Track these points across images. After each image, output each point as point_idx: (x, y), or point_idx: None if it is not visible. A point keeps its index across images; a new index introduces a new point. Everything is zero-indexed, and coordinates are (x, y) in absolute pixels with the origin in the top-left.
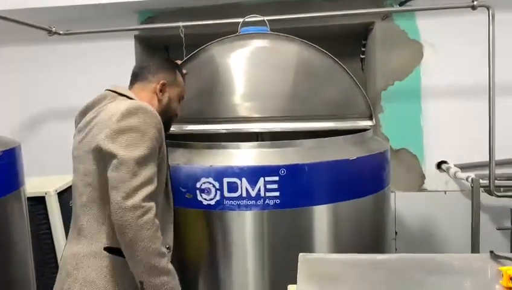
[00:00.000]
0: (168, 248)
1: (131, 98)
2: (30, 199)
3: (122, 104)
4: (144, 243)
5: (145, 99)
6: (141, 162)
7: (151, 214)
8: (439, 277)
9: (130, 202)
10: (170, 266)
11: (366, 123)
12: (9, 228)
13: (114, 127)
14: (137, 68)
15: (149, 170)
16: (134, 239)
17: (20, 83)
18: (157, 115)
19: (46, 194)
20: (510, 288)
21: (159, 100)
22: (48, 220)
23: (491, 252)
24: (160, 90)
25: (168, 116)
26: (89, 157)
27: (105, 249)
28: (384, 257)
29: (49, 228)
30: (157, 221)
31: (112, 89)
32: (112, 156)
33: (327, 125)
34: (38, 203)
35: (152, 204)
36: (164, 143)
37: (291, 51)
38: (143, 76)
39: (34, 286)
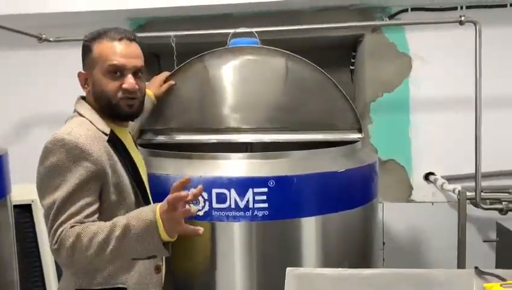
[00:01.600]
0: (157, 269)
1: (80, 113)
2: (16, 206)
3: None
4: (91, 258)
5: (87, 100)
6: (65, 201)
7: (71, 239)
8: None
9: (54, 247)
10: (106, 237)
11: (355, 135)
12: None
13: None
14: None
15: (80, 202)
16: (85, 264)
17: (8, 88)
18: (80, 142)
19: (32, 201)
20: None
21: (87, 93)
22: (34, 227)
23: (476, 268)
24: (85, 83)
25: (106, 98)
26: None
27: None
28: (371, 272)
29: (35, 236)
30: (77, 229)
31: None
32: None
33: (316, 137)
34: (24, 210)
35: (67, 226)
36: (117, 165)
37: (280, 64)
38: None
39: None
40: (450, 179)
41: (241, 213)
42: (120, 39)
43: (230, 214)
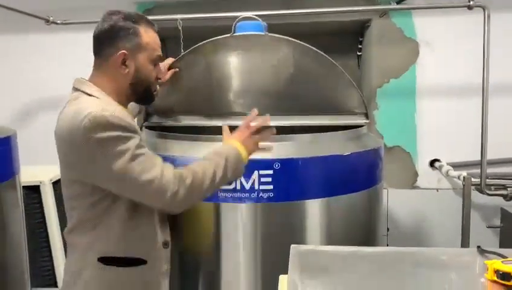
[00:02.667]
0: (165, 244)
1: (87, 93)
2: (25, 187)
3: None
4: (205, 190)
5: (108, 82)
6: (146, 157)
7: (189, 179)
8: (427, 270)
9: (169, 194)
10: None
11: (361, 120)
12: (4, 215)
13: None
14: (93, 40)
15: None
16: (199, 198)
17: (15, 71)
18: (121, 116)
19: (41, 183)
20: (495, 281)
21: (124, 75)
22: (42, 209)
23: (478, 247)
24: (123, 64)
25: (146, 85)
26: None
27: (100, 259)
28: (374, 250)
29: (43, 217)
30: (190, 169)
31: (73, 84)
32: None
33: (322, 122)
34: (32, 192)
35: (171, 171)
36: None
37: (284, 50)
38: (99, 50)
39: (28, 273)
40: (456, 165)
41: (247, 195)
42: (157, 32)
43: (236, 196)
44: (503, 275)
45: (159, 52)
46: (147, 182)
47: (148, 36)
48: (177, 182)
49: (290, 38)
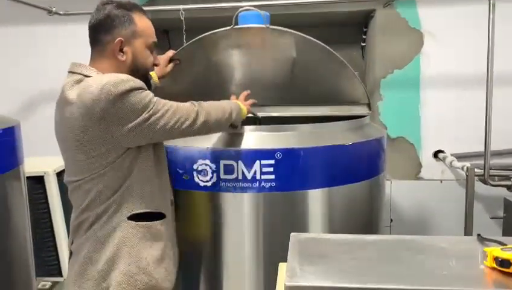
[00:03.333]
0: (172, 203)
1: (82, 74)
2: (29, 178)
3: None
4: (216, 122)
5: (108, 68)
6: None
7: (204, 111)
8: (426, 257)
9: (190, 121)
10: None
11: (363, 110)
12: (8, 206)
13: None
14: (89, 30)
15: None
16: (212, 129)
17: (18, 62)
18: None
19: (45, 173)
20: (494, 268)
21: (122, 62)
22: (47, 199)
23: (478, 235)
24: (120, 51)
25: (143, 72)
26: None
27: (130, 217)
28: (374, 238)
29: (48, 208)
30: (203, 105)
31: (71, 69)
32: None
33: (324, 112)
34: (37, 182)
35: (191, 105)
36: None
37: (286, 42)
38: (96, 39)
39: (32, 263)
40: (460, 156)
41: (249, 184)
42: (150, 19)
43: (238, 185)
44: (502, 262)
45: (154, 39)
46: (172, 116)
47: (143, 23)
48: (195, 106)
49: (292, 31)
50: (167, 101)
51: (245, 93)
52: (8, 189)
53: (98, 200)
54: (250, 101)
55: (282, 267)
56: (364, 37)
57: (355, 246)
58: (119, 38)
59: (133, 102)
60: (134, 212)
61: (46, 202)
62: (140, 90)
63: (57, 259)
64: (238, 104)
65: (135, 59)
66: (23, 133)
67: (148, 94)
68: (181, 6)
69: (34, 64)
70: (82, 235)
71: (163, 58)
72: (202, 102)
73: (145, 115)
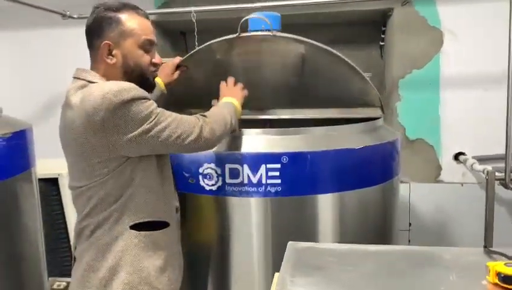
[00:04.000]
0: (177, 209)
1: (86, 80)
2: (44, 180)
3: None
4: (222, 132)
5: (103, 72)
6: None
7: (209, 125)
8: (426, 270)
9: (194, 136)
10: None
11: (375, 113)
12: (20, 208)
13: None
14: (85, 35)
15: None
16: (218, 139)
17: (34, 65)
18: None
19: (59, 175)
20: (496, 284)
21: (113, 65)
22: (61, 200)
23: (485, 246)
24: (109, 54)
25: (139, 72)
26: None
27: (132, 227)
28: (376, 249)
29: (62, 209)
30: (207, 118)
31: (75, 74)
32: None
33: (334, 114)
34: (51, 184)
35: (198, 119)
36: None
37: (293, 49)
38: (90, 44)
39: (44, 263)
40: (481, 159)
41: (254, 189)
42: (146, 16)
43: (243, 190)
44: (505, 278)
45: (148, 36)
46: (174, 130)
47: (132, 22)
48: (199, 120)
49: (298, 38)
50: (171, 113)
51: (231, 82)
52: (19, 191)
53: (100, 207)
54: (245, 92)
55: (276, 277)
56: (382, 36)
57: (354, 257)
58: (106, 41)
59: (134, 112)
60: (136, 221)
61: (61, 203)
62: (143, 100)
63: (71, 260)
64: (234, 106)
65: (127, 60)
66: (39, 135)
67: (151, 105)
68: (193, 8)
69: (49, 67)
70: (84, 241)
71: (170, 65)
72: (207, 116)
73: (145, 126)
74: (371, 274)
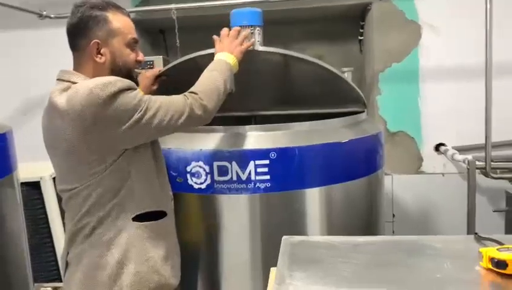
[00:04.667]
0: (172, 198)
1: (70, 81)
2: (25, 184)
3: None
4: (217, 101)
5: (90, 72)
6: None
7: (199, 101)
8: (420, 259)
9: (186, 115)
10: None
11: (358, 107)
12: (3, 213)
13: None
14: (67, 35)
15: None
16: (215, 108)
17: (12, 68)
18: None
19: (41, 179)
20: (490, 269)
21: (102, 64)
22: (44, 204)
23: (475, 233)
24: (98, 53)
25: (126, 70)
26: None
27: (135, 218)
28: (366, 239)
29: (45, 213)
30: (198, 93)
31: (59, 76)
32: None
33: (318, 110)
34: (33, 188)
35: (187, 98)
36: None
37: (280, 58)
38: (74, 44)
39: (29, 269)
40: (461, 149)
41: (243, 185)
42: (128, 15)
43: (233, 187)
44: (498, 263)
45: (133, 35)
46: (165, 114)
47: (118, 20)
48: (188, 99)
49: (279, 51)
50: (158, 97)
51: (235, 31)
52: (3, 196)
53: (99, 204)
54: (245, 46)
55: (273, 272)
56: (361, 30)
57: (347, 249)
58: (95, 40)
59: (123, 103)
60: (137, 213)
61: (44, 207)
62: (129, 90)
63: (56, 264)
64: (229, 64)
65: (115, 59)
66: (20, 139)
67: (138, 93)
68: (173, 6)
69: (30, 68)
70: (81, 242)
71: (149, 76)
72: (197, 92)
73: (137, 115)
74: (367, 265)
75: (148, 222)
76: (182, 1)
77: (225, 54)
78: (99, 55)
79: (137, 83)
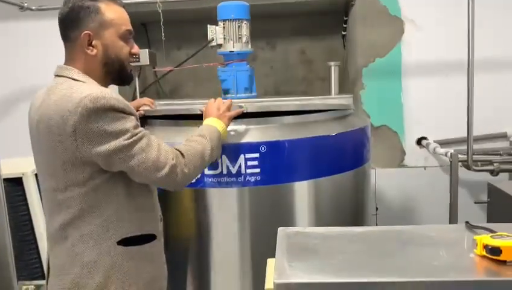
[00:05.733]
0: (161, 219)
1: (73, 78)
2: (7, 180)
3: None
4: (200, 167)
5: (81, 66)
6: (142, 136)
7: (183, 160)
8: (416, 247)
9: (163, 172)
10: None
11: (346, 101)
12: None
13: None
14: (59, 26)
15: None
16: (195, 175)
17: None
18: (119, 98)
19: (23, 175)
20: (484, 256)
21: (93, 56)
22: (26, 200)
23: (467, 222)
24: (89, 45)
25: (119, 63)
26: None
27: (119, 242)
28: (363, 230)
29: (28, 210)
30: (173, 150)
31: (57, 72)
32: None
33: (307, 103)
34: (16, 184)
35: (170, 153)
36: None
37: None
38: (66, 36)
39: (13, 267)
40: (443, 143)
41: (234, 179)
42: (122, 5)
43: (223, 180)
44: (493, 250)
45: (128, 27)
46: (145, 160)
47: (112, 11)
48: (174, 159)
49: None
50: (150, 139)
51: (227, 103)
52: None
53: (82, 219)
54: (234, 112)
55: (271, 263)
56: (345, 25)
57: (344, 240)
58: (86, 31)
59: (107, 123)
60: (123, 236)
61: (26, 204)
62: (122, 114)
63: (39, 262)
64: (218, 132)
65: (107, 51)
66: (0, 134)
67: (130, 121)
68: None
69: (10, 62)
70: (64, 252)
71: (135, 104)
72: (184, 155)
73: (116, 144)
74: (365, 255)
75: (135, 247)
76: None
77: (216, 121)
78: (91, 47)
79: (132, 77)
